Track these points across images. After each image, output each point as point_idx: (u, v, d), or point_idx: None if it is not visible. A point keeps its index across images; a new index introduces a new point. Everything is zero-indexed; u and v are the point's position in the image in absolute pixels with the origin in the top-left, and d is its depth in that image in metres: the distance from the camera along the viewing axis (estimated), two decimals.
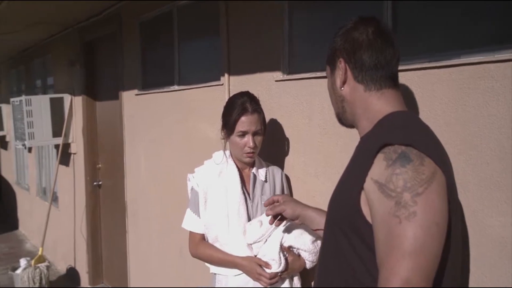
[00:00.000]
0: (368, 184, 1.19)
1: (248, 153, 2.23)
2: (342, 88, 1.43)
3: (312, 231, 2.14)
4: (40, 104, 5.42)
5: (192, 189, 2.35)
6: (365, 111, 1.39)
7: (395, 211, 1.11)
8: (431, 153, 1.18)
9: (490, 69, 1.60)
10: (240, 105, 2.21)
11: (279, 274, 2.08)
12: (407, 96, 1.86)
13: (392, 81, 1.39)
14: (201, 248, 2.31)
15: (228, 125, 2.23)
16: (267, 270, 2.09)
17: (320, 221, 1.77)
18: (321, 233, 1.72)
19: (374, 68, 1.37)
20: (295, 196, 2.47)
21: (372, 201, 1.18)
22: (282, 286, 2.15)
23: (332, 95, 1.52)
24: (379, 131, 1.31)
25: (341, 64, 1.42)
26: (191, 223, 2.34)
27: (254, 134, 2.22)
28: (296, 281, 2.21)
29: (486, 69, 1.61)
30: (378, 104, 1.37)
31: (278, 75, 2.53)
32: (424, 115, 1.79)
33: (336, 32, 1.48)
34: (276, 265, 2.08)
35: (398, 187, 1.12)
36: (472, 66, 1.65)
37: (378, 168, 1.18)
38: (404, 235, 1.08)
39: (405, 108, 1.40)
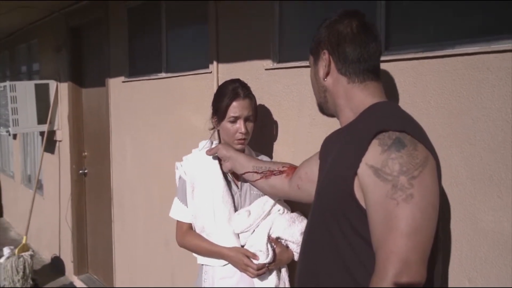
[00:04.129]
0: (362, 170, 1.23)
1: (239, 139, 2.18)
2: (325, 79, 1.48)
3: (300, 223, 2.11)
4: (25, 90, 5.31)
5: (180, 177, 2.30)
6: (348, 102, 1.44)
7: (392, 194, 1.16)
8: (421, 139, 1.25)
9: (485, 60, 1.56)
10: (232, 90, 2.17)
11: (266, 265, 2.05)
12: (401, 86, 1.82)
13: (374, 74, 1.44)
14: (188, 238, 2.27)
15: (219, 111, 2.18)
16: (254, 261, 2.05)
17: (247, 165, 2.02)
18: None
19: (357, 61, 1.41)
20: None
21: (367, 186, 1.22)
22: (270, 277, 2.12)
23: (314, 85, 1.57)
24: (367, 119, 1.36)
25: (325, 56, 1.46)
26: (178, 212, 2.30)
27: (246, 119, 2.18)
28: (284, 273, 2.18)
29: (481, 60, 1.57)
30: (362, 96, 1.42)
31: (268, 63, 2.48)
32: (418, 106, 1.75)
33: (320, 24, 1.51)
34: (263, 256, 2.04)
35: (394, 170, 1.18)
36: (466, 57, 1.61)
37: (373, 154, 1.22)
38: (403, 216, 1.14)
39: (386, 99, 1.45)
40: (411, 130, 1.24)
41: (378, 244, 1.18)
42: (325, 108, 1.56)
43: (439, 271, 1.35)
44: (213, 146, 2.23)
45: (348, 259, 1.28)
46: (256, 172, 1.98)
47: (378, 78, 1.45)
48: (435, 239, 1.28)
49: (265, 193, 2.09)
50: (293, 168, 1.91)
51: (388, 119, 1.30)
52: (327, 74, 1.47)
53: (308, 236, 1.50)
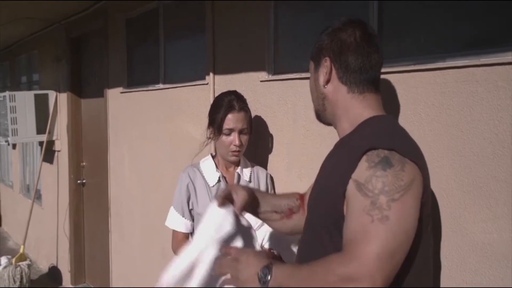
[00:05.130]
0: (350, 185, 1.23)
1: (233, 151, 2.22)
2: (325, 86, 1.45)
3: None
4: (25, 100, 5.34)
5: (181, 187, 2.30)
6: (346, 113, 1.43)
7: (369, 210, 1.14)
8: (413, 157, 1.22)
9: (474, 73, 1.58)
10: (227, 103, 2.20)
11: None
12: (392, 98, 1.84)
13: (374, 86, 1.43)
14: (183, 247, 2.28)
15: (215, 123, 2.21)
16: None
17: (263, 205, 1.72)
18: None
19: (358, 71, 1.40)
20: None
21: (348, 198, 1.22)
22: None
23: (313, 91, 1.54)
24: (361, 134, 1.35)
25: (326, 63, 1.43)
26: (174, 221, 2.31)
27: (240, 132, 2.21)
28: None
29: (470, 73, 1.59)
30: (360, 107, 1.41)
31: (263, 75, 2.51)
32: (408, 118, 1.77)
33: (323, 30, 1.50)
34: None
35: (376, 188, 1.16)
36: (456, 70, 1.63)
37: (360, 169, 1.21)
38: (375, 236, 1.11)
39: (384, 112, 1.43)
40: (401, 148, 1.22)
41: (346, 245, 1.17)
42: (323, 116, 1.54)
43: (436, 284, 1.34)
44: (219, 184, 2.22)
45: None
46: (275, 212, 1.75)
47: (377, 90, 1.44)
48: (426, 258, 1.28)
49: (284, 233, 1.86)
50: (302, 197, 1.78)
51: (380, 136, 1.29)
52: (328, 81, 1.45)
53: (302, 247, 1.50)
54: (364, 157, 1.22)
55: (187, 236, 2.32)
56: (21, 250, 5.43)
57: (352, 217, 1.19)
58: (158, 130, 3.59)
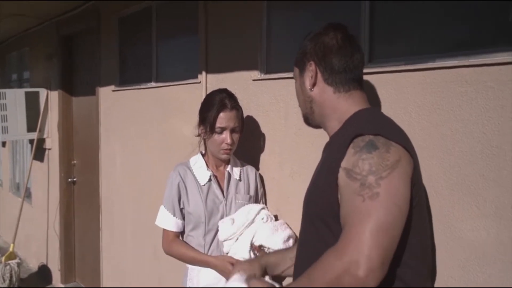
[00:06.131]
0: (340, 173, 1.27)
1: (225, 149, 2.23)
2: (312, 89, 1.51)
3: (283, 231, 2.14)
4: (15, 97, 5.32)
5: (171, 185, 2.31)
6: (334, 112, 1.48)
7: (359, 191, 1.19)
8: (398, 140, 1.28)
9: (464, 74, 1.61)
10: (219, 101, 2.21)
11: None
12: (383, 98, 1.87)
13: (358, 83, 1.49)
14: (174, 246, 2.29)
15: (206, 121, 2.22)
16: None
17: (282, 262, 1.82)
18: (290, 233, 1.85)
19: (343, 72, 1.46)
20: (269, 197, 2.47)
21: (340, 187, 1.27)
22: None
23: (300, 96, 1.59)
24: (349, 127, 1.39)
25: (311, 67, 1.49)
26: (164, 220, 2.32)
27: (232, 131, 2.22)
28: (267, 280, 2.20)
29: (460, 73, 1.62)
30: (347, 105, 1.46)
31: (256, 74, 2.53)
32: (399, 118, 1.79)
33: (305, 36, 1.57)
34: None
35: (363, 170, 1.21)
36: (446, 70, 1.66)
37: (347, 156, 1.27)
38: (367, 213, 1.15)
39: (369, 106, 1.50)
40: (386, 133, 1.27)
41: (345, 228, 1.19)
42: (311, 120, 1.58)
43: (432, 266, 1.37)
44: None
45: None
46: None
47: (361, 87, 1.50)
48: (426, 235, 1.32)
49: None
50: None
51: (365, 123, 1.34)
52: (314, 84, 1.50)
53: (301, 242, 1.53)
54: (351, 145, 1.27)
55: (178, 235, 2.32)
56: (10, 249, 5.40)
57: (345, 202, 1.23)
58: (150, 129, 3.60)
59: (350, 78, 1.47)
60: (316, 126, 1.60)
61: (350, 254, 1.11)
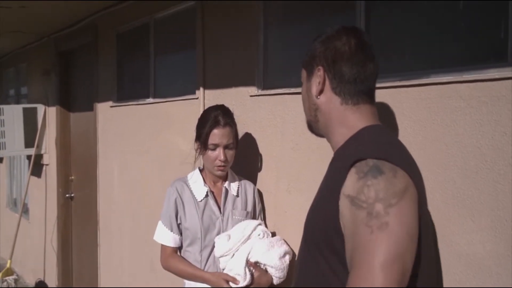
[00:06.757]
0: (342, 200, 1.17)
1: (219, 166, 2.24)
2: (318, 97, 1.38)
3: (279, 247, 2.14)
4: (13, 113, 5.34)
5: (169, 201, 2.32)
6: (340, 125, 1.36)
7: (367, 222, 1.08)
8: (404, 166, 1.16)
9: (458, 89, 1.63)
10: (213, 118, 2.23)
11: None
12: (378, 113, 1.88)
13: (368, 97, 1.36)
14: (171, 262, 2.30)
15: (201, 137, 2.24)
16: (233, 285, 2.08)
17: None
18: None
19: (353, 82, 1.33)
20: (266, 211, 2.48)
21: (345, 217, 1.15)
22: None
23: (305, 101, 1.47)
24: (352, 146, 1.29)
25: (320, 72, 1.36)
26: (162, 236, 2.33)
27: (226, 147, 2.24)
28: None
29: (454, 89, 1.64)
30: (353, 119, 1.34)
31: (253, 90, 2.55)
32: (394, 133, 1.81)
33: (316, 37, 1.43)
34: (241, 280, 2.07)
35: (369, 198, 1.10)
36: (441, 86, 1.68)
37: (350, 182, 1.15)
38: (377, 246, 1.06)
39: (378, 122, 1.37)
40: (392, 157, 1.16)
41: (351, 271, 1.11)
42: (315, 128, 1.46)
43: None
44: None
45: None
46: None
47: (372, 101, 1.37)
48: (431, 262, 1.23)
49: None
50: None
51: (368, 145, 1.23)
52: (321, 92, 1.37)
53: (299, 267, 1.44)
54: (353, 169, 1.16)
55: (176, 250, 2.33)
56: (7, 265, 5.39)
57: (351, 236, 1.13)
58: (148, 144, 3.61)
59: (360, 90, 1.33)
60: (320, 135, 1.48)
61: None
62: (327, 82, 1.36)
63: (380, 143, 1.26)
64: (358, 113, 1.34)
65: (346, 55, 1.32)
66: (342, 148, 1.34)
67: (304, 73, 1.46)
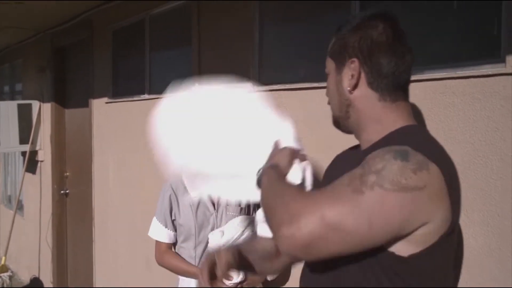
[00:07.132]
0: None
1: None
2: (352, 92, 1.22)
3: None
4: (7, 110, 5.32)
5: (163, 197, 2.33)
6: (376, 123, 1.21)
7: (352, 176, 1.01)
8: (441, 165, 1.03)
9: (451, 86, 1.65)
10: None
11: (238, 285, 2.09)
12: None
13: (405, 92, 1.23)
14: (166, 258, 2.31)
15: None
16: (227, 282, 2.09)
17: None
18: None
19: (391, 76, 1.18)
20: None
21: None
22: None
23: (334, 95, 1.29)
24: (392, 141, 1.13)
25: (354, 65, 1.20)
26: (156, 232, 2.33)
27: None
28: None
29: (447, 85, 1.66)
30: (392, 118, 1.20)
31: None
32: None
33: (344, 24, 1.26)
34: (234, 276, 2.08)
35: (374, 166, 1.00)
36: (434, 82, 1.70)
37: (374, 152, 1.06)
38: (337, 198, 0.99)
39: (415, 122, 1.25)
40: (428, 153, 1.03)
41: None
42: (344, 125, 1.29)
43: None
44: None
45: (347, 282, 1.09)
46: (264, 258, 1.54)
47: (407, 97, 1.24)
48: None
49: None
50: None
51: (410, 139, 1.10)
52: (355, 86, 1.21)
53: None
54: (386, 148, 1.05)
55: (170, 246, 2.34)
56: (2, 261, 5.38)
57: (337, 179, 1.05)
58: (143, 140, 3.61)
59: (398, 84, 1.19)
60: (348, 131, 1.31)
61: (294, 215, 0.98)
62: (362, 76, 1.20)
63: (423, 141, 1.13)
64: (397, 111, 1.20)
65: (384, 46, 1.18)
66: (374, 145, 1.18)
67: (332, 64, 1.29)
